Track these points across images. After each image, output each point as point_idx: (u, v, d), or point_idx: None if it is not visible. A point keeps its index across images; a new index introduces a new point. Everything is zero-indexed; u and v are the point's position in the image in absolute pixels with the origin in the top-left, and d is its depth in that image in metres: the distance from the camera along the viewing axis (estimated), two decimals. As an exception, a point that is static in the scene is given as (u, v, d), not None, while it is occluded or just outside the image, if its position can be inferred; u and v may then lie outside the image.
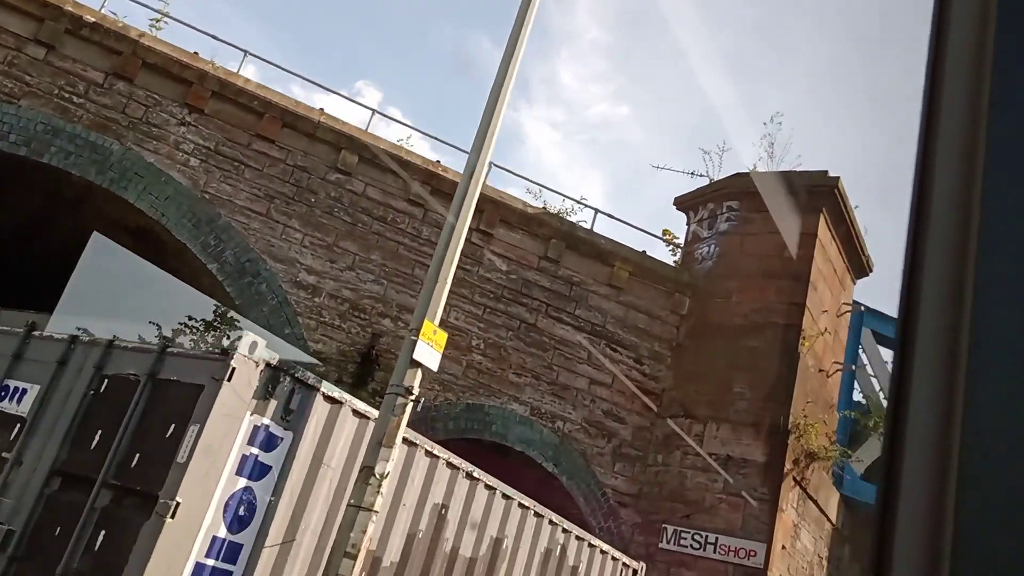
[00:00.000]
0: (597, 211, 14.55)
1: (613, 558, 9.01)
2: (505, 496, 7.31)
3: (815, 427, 12.80)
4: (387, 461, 5.89)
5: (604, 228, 34.02)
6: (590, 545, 8.35)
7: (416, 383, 6.54)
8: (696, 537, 12.02)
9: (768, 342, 12.96)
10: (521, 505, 7.52)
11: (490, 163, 9.08)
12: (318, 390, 5.37)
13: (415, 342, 6.49)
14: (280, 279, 11.74)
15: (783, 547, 12.00)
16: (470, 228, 13.48)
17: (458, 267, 13.07)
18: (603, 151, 51.57)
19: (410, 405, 6.35)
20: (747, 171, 13.92)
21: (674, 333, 13.88)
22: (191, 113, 11.88)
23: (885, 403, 15.58)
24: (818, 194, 13.47)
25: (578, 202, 15.57)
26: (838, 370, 14.46)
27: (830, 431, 13.98)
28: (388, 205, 12.56)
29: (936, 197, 0.83)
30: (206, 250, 11.49)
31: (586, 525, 12.50)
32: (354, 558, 5.60)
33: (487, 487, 7.01)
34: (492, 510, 7.10)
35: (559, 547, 7.97)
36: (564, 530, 8.16)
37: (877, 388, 15.48)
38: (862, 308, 15.73)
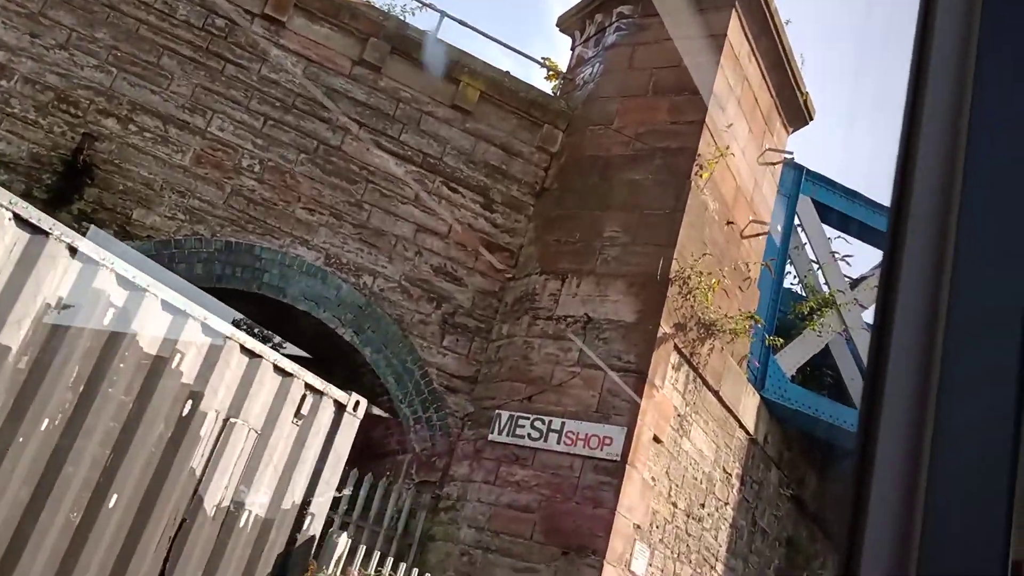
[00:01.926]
0: (444, 15, 11.01)
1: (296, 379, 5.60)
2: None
3: (713, 286, 9.39)
4: None
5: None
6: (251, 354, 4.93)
7: None
8: (537, 424, 8.64)
9: (655, 173, 9.55)
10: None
11: None
12: None
13: None
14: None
15: (655, 438, 8.60)
16: (251, 13, 10.11)
17: (230, 62, 9.79)
18: None
19: None
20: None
21: (540, 176, 10.46)
22: None
23: (826, 288, 12.16)
24: (729, -13, 10.06)
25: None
26: (760, 233, 11.05)
27: (744, 307, 10.58)
28: (132, -25, 9.14)
29: (916, 196, 0.84)
30: None
31: (396, 414, 9.10)
32: None
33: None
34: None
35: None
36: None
37: (816, 269, 12.08)
38: (802, 168, 12.33)
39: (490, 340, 9.71)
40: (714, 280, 9.41)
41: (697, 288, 9.24)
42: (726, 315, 9.70)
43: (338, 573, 5.19)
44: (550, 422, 8.57)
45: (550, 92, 11.13)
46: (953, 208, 0.81)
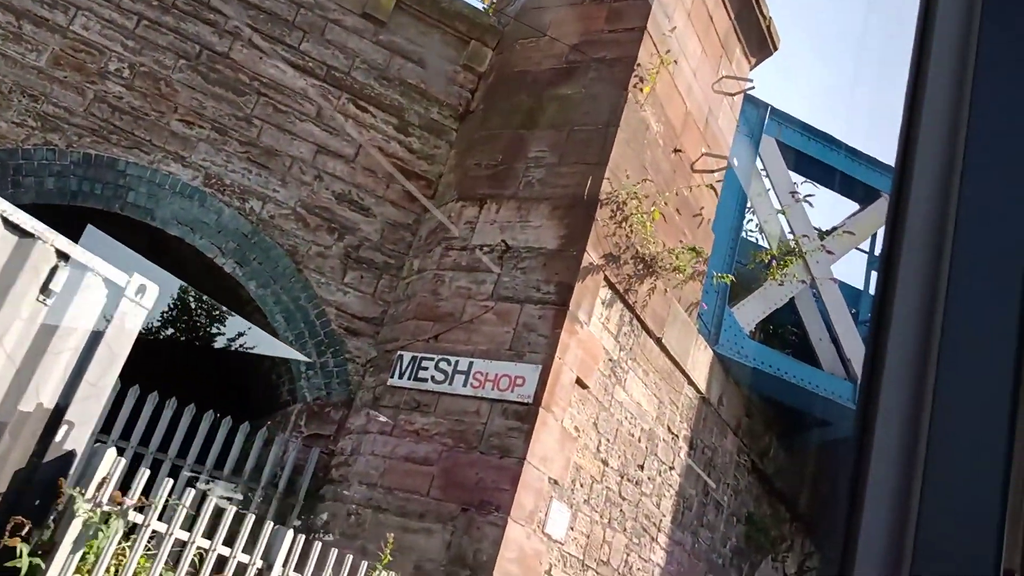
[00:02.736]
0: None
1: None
2: None
3: (653, 214, 8.19)
4: None
5: None
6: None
7: None
8: (442, 365, 7.41)
9: (588, 87, 8.35)
10: None
11: None
12: None
13: None
14: None
15: (579, 382, 7.38)
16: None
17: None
18: None
19: None
20: None
21: (465, 98, 9.25)
22: None
23: (790, 237, 10.98)
24: None
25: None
26: (716, 170, 9.85)
27: (699, 250, 9.39)
28: None
29: (914, 195, 0.85)
30: None
31: (288, 359, 7.87)
32: None
33: None
34: None
35: None
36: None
37: (777, 214, 10.88)
38: (767, 106, 11.15)
39: (400, 277, 8.48)
40: (654, 208, 8.21)
41: (635, 216, 8.04)
42: (669, 249, 8.50)
43: (102, 499, 3.93)
44: (456, 363, 7.34)
45: (481, 6, 9.92)
46: (950, 212, 0.82)
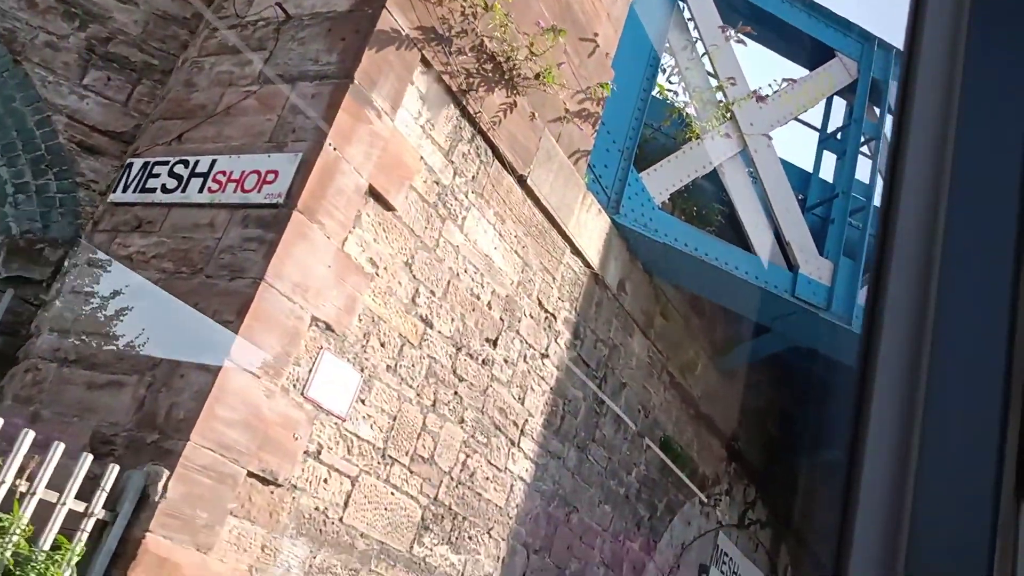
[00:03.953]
0: None
1: None
2: None
3: (503, -8, 6.01)
4: None
5: None
6: None
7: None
8: (178, 169, 5.21)
9: None
10: None
11: None
12: None
13: None
14: None
15: (376, 194, 5.18)
16: None
17: None
18: None
19: None
20: None
21: None
22: None
23: (719, 96, 8.81)
24: None
25: None
26: (612, -15, 7.65)
27: (587, 79, 7.22)
28: None
29: (903, 205, 0.85)
30: None
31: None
32: None
33: None
34: None
35: None
36: None
37: (702, 57, 8.68)
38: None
39: (164, 72, 6.26)
40: (506, -16, 6.02)
41: (476, -7, 5.85)
42: (529, 45, 6.30)
43: None
44: (196, 163, 5.13)
45: None
46: (940, 216, 0.83)
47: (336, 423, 5.01)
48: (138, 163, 5.42)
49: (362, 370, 5.18)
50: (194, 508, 4.20)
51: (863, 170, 9.65)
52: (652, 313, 8.65)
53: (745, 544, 11.25)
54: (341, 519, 5.08)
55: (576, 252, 7.34)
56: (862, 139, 9.60)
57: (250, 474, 4.46)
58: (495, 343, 6.39)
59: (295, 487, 4.77)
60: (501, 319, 6.45)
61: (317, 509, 4.92)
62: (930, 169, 0.85)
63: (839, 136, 10.01)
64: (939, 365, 0.79)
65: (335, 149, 4.88)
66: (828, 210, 9.42)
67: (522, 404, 6.71)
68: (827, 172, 10.02)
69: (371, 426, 5.27)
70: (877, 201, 9.39)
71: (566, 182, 7.12)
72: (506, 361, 6.51)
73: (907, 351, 0.80)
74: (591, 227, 7.51)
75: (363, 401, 5.20)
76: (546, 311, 6.99)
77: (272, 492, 4.63)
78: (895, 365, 0.80)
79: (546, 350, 6.99)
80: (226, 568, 4.37)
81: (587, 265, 7.51)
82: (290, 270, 4.63)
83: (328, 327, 4.91)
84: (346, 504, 5.11)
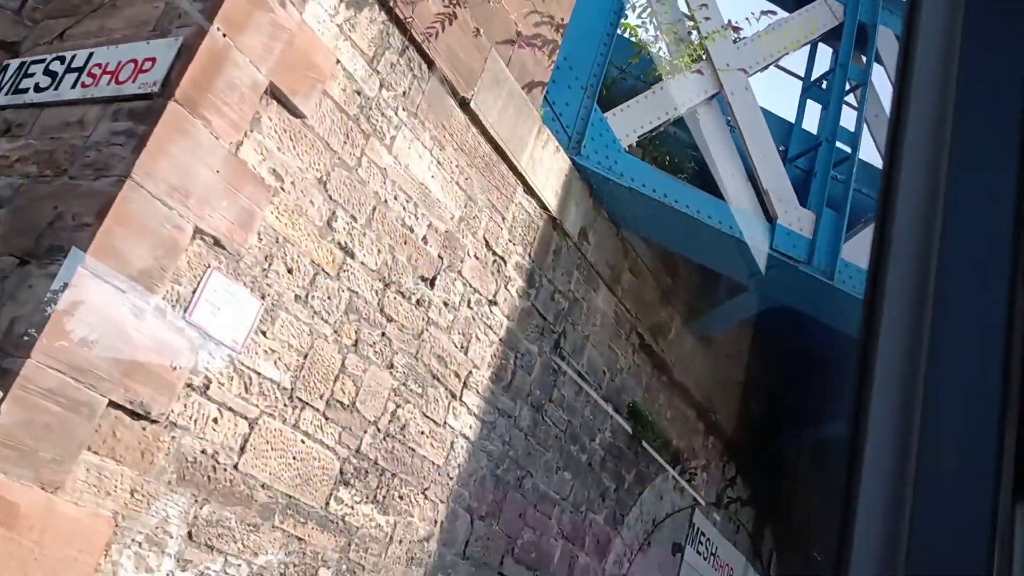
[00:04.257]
0: None
1: None
2: None
3: None
4: None
5: None
6: None
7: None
8: (53, 66, 4.56)
9: None
10: None
11: None
12: None
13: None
14: None
15: (278, 96, 4.51)
16: None
17: None
18: None
19: None
20: None
21: None
22: None
23: (693, 34, 8.16)
24: None
25: None
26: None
27: (541, 8, 6.59)
28: None
29: (901, 201, 0.85)
30: None
31: None
32: None
33: None
34: None
35: None
36: None
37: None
38: None
39: (60, -15, 5.60)
40: None
41: None
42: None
43: None
44: (72, 58, 4.48)
45: None
46: (937, 215, 0.82)
47: (230, 355, 4.35)
48: (14, 64, 4.77)
49: (263, 297, 4.52)
50: (37, 439, 3.54)
51: (849, 120, 9.01)
52: (620, 268, 8.00)
53: (725, 524, 10.60)
54: (236, 466, 4.42)
55: (530, 191, 6.69)
56: (847, 86, 8.95)
57: (113, 404, 3.80)
58: (432, 283, 5.73)
59: (175, 425, 4.11)
60: (440, 257, 5.79)
61: (205, 453, 4.26)
62: (930, 152, 0.84)
63: (824, 85, 9.37)
64: (937, 368, 0.79)
65: (224, 36, 4.22)
66: (811, 162, 8.78)
67: (465, 354, 6.06)
68: (811, 124, 9.38)
69: (275, 363, 4.61)
70: (863, 153, 8.76)
71: (518, 113, 6.46)
72: (446, 304, 5.85)
73: (905, 355, 0.80)
74: (548, 165, 6.86)
75: (264, 333, 4.54)
76: (495, 253, 6.34)
77: (144, 429, 3.97)
78: (893, 369, 0.80)
79: (494, 296, 6.34)
80: (82, 513, 3.72)
81: (543, 207, 6.85)
82: (166, 170, 3.97)
83: (217, 242, 4.25)
84: (243, 449, 4.46)
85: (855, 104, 9.21)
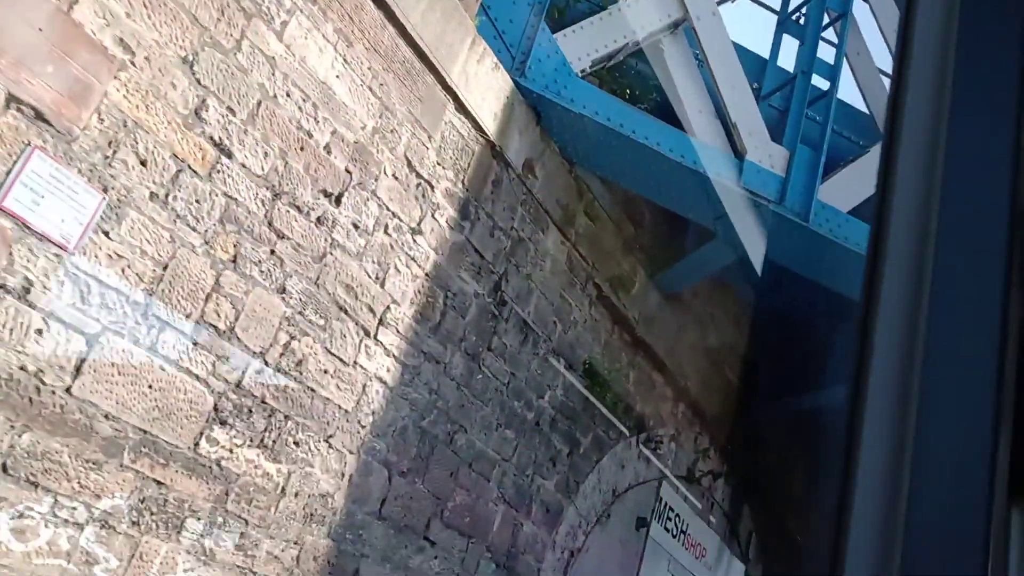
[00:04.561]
0: None
1: None
2: None
3: None
4: None
5: None
6: None
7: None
8: None
9: None
10: None
11: None
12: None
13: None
14: None
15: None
16: None
17: None
18: None
19: None
20: None
21: None
22: None
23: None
24: None
25: None
26: None
27: None
28: None
29: (897, 196, 0.84)
30: None
31: None
32: None
33: None
34: None
35: None
36: None
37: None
38: None
39: None
40: None
41: None
42: None
43: None
44: None
45: None
46: (933, 208, 0.82)
47: (58, 255, 3.61)
48: None
49: (106, 190, 3.77)
50: None
51: (827, 55, 8.26)
52: (573, 210, 7.26)
53: (697, 500, 9.86)
54: (68, 390, 3.67)
55: (463, 110, 5.94)
56: (826, 18, 8.22)
57: None
58: (338, 200, 4.98)
59: (-20, 333, 3.36)
60: (347, 171, 5.04)
61: (24, 370, 3.51)
62: (928, 136, 0.84)
63: (801, 20, 8.64)
64: (932, 370, 0.78)
65: None
66: (786, 100, 8.04)
67: (381, 286, 5.31)
68: (787, 62, 8.65)
69: (122, 270, 3.86)
70: (843, 92, 8.02)
71: (446, 17, 5.72)
72: (356, 227, 5.11)
73: (900, 356, 0.80)
74: (485, 83, 6.12)
75: (107, 234, 3.79)
76: (419, 175, 5.59)
77: (-66, 334, 3.22)
78: (888, 371, 0.80)
79: (419, 225, 5.60)
80: None
81: (479, 130, 6.11)
82: (-39, 16, 3.22)
83: (40, 115, 3.50)
84: (78, 371, 3.71)
85: (835, 41, 8.48)
